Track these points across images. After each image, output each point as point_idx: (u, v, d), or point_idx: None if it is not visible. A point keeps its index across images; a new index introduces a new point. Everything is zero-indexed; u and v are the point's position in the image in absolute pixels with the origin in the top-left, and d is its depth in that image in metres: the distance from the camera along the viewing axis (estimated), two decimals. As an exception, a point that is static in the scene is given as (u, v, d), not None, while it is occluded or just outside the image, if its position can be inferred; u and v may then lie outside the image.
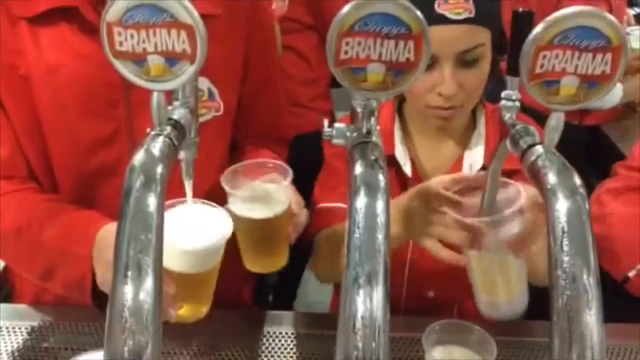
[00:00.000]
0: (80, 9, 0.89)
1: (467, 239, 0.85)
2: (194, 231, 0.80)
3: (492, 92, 1.27)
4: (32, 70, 0.91)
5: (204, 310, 0.87)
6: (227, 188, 0.88)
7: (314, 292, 2.47)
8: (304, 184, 1.14)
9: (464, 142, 1.08)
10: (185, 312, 0.83)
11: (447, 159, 1.09)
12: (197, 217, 0.82)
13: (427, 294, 1.10)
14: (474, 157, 1.06)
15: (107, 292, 0.87)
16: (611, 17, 0.57)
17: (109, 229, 0.89)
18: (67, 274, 0.92)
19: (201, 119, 0.97)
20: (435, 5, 0.91)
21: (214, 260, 0.83)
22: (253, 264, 0.93)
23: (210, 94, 1.00)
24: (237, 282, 1.18)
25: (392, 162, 1.06)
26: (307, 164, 1.16)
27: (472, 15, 0.93)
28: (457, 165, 1.07)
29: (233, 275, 1.06)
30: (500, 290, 0.90)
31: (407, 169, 1.07)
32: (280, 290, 2.42)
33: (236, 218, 0.85)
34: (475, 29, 0.94)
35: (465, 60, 0.95)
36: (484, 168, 1.03)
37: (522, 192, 0.83)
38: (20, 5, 0.90)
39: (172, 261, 0.78)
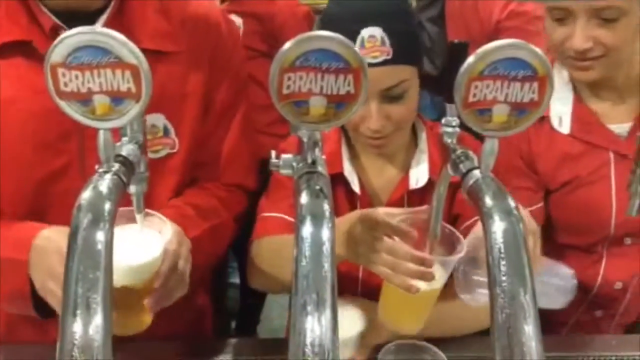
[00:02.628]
0: (33, 44, 0.90)
1: (416, 271, 0.86)
2: (125, 246, 0.78)
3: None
4: None
5: (136, 325, 0.85)
6: None
7: (278, 316, 2.47)
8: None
9: (408, 160, 1.12)
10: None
11: (393, 178, 1.13)
12: (132, 233, 0.80)
13: None
14: (419, 173, 1.10)
15: (47, 299, 0.86)
16: (536, 48, 0.60)
17: (46, 234, 0.87)
18: (8, 283, 0.90)
19: (156, 155, 0.99)
20: None
21: (142, 276, 0.82)
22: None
23: (166, 130, 1.00)
24: (192, 314, 1.18)
25: (340, 180, 1.09)
26: (263, 188, 1.18)
27: (389, 56, 0.97)
28: (403, 183, 1.11)
29: (189, 307, 1.06)
30: (402, 323, 0.94)
31: (355, 187, 1.10)
32: (243, 316, 2.42)
33: None
34: (396, 68, 0.99)
35: (390, 96, 1.00)
36: (430, 182, 1.08)
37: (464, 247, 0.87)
38: None
39: None
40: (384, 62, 0.97)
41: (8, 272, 0.89)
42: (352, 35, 0.96)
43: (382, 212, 0.90)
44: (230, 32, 1.07)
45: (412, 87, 1.02)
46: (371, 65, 0.95)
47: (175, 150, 1.01)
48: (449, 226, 0.90)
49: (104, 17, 0.93)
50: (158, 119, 0.98)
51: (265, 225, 1.10)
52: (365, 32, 0.96)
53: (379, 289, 0.96)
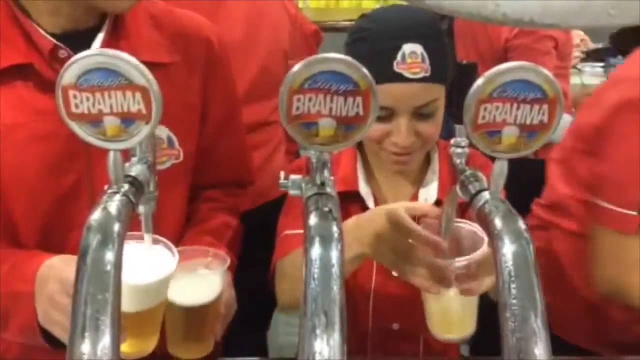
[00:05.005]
0: (35, 66, 0.90)
1: (436, 279, 0.86)
2: (135, 268, 0.78)
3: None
4: None
5: (149, 347, 0.85)
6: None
7: (284, 334, 2.46)
8: (270, 225, 1.16)
9: (420, 179, 1.13)
10: (128, 348, 0.82)
11: (403, 196, 1.12)
12: (141, 254, 0.80)
13: (391, 326, 1.12)
14: (428, 193, 1.10)
15: (51, 330, 0.86)
16: (546, 71, 0.60)
17: (48, 263, 0.87)
18: (18, 317, 0.90)
19: (161, 167, 0.99)
20: (394, 64, 0.96)
21: (156, 298, 0.82)
22: (176, 348, 0.90)
23: (170, 141, 1.01)
24: None
25: (356, 197, 1.10)
26: (272, 205, 1.18)
27: (428, 74, 0.98)
28: (412, 201, 1.10)
29: None
30: (455, 328, 0.92)
31: (370, 204, 1.10)
32: (249, 333, 2.40)
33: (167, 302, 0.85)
34: (431, 86, 0.99)
35: (421, 113, 1.00)
36: (438, 202, 1.07)
37: (485, 239, 0.85)
38: None
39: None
40: (422, 79, 0.98)
41: (16, 305, 0.89)
42: (392, 50, 0.97)
43: (403, 207, 0.90)
44: (221, 45, 1.09)
45: (441, 106, 1.03)
46: (409, 80, 0.97)
47: (180, 160, 1.03)
48: (471, 225, 0.88)
49: (101, 35, 0.94)
50: (161, 131, 0.99)
51: (289, 243, 1.09)
52: (407, 48, 0.97)
53: (392, 302, 0.95)
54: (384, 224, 0.89)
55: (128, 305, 0.79)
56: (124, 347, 0.81)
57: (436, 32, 1.02)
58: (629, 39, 1.24)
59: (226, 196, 1.16)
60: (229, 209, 1.14)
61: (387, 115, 0.99)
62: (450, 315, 0.91)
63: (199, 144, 1.07)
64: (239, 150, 1.18)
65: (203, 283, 0.89)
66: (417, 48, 0.97)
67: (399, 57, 0.97)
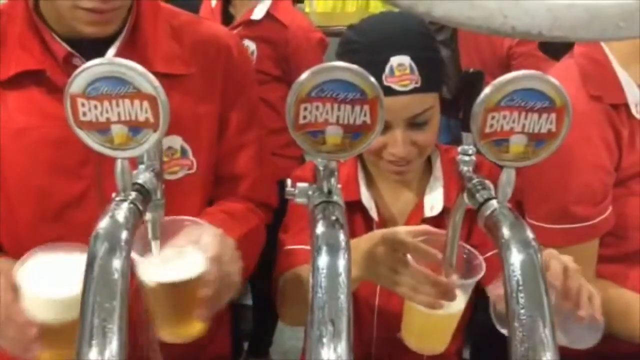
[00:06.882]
0: (47, 73, 0.91)
1: (435, 294, 0.85)
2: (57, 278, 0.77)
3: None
4: (0, 133, 0.91)
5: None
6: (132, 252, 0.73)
7: (289, 338, 2.46)
8: (274, 231, 1.16)
9: (423, 186, 1.12)
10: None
11: (407, 204, 1.12)
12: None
13: (395, 335, 1.12)
14: (434, 201, 1.09)
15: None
16: (553, 79, 0.60)
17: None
18: None
19: (174, 177, 1.00)
20: (383, 78, 0.96)
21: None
22: (163, 332, 0.83)
23: (183, 151, 1.01)
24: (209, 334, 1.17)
25: (358, 207, 1.09)
26: (278, 211, 1.18)
27: (418, 85, 0.97)
28: (418, 209, 1.10)
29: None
30: (430, 343, 0.93)
31: (374, 213, 1.10)
32: (255, 338, 2.41)
33: (142, 282, 0.79)
34: (423, 96, 0.99)
35: (415, 123, 1.00)
36: (445, 209, 1.07)
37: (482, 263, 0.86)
38: None
39: (36, 310, 0.76)
40: (413, 91, 0.97)
41: None
42: (380, 64, 0.96)
43: (403, 231, 0.90)
44: (241, 53, 1.09)
45: (435, 114, 1.02)
46: (400, 93, 0.96)
47: (193, 171, 1.02)
48: (467, 246, 0.89)
49: (116, 44, 0.94)
50: (175, 141, 0.99)
51: (289, 259, 1.09)
52: (395, 60, 0.96)
53: (396, 315, 0.95)
54: (380, 244, 0.89)
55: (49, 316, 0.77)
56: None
57: (426, 40, 1.01)
58: (558, 44, 1.18)
59: (247, 201, 1.11)
60: (249, 208, 1.10)
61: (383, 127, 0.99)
62: (430, 329, 0.92)
63: (217, 154, 1.06)
64: (258, 165, 1.12)
65: (177, 260, 0.79)
66: (405, 60, 0.97)
67: (387, 70, 0.96)
